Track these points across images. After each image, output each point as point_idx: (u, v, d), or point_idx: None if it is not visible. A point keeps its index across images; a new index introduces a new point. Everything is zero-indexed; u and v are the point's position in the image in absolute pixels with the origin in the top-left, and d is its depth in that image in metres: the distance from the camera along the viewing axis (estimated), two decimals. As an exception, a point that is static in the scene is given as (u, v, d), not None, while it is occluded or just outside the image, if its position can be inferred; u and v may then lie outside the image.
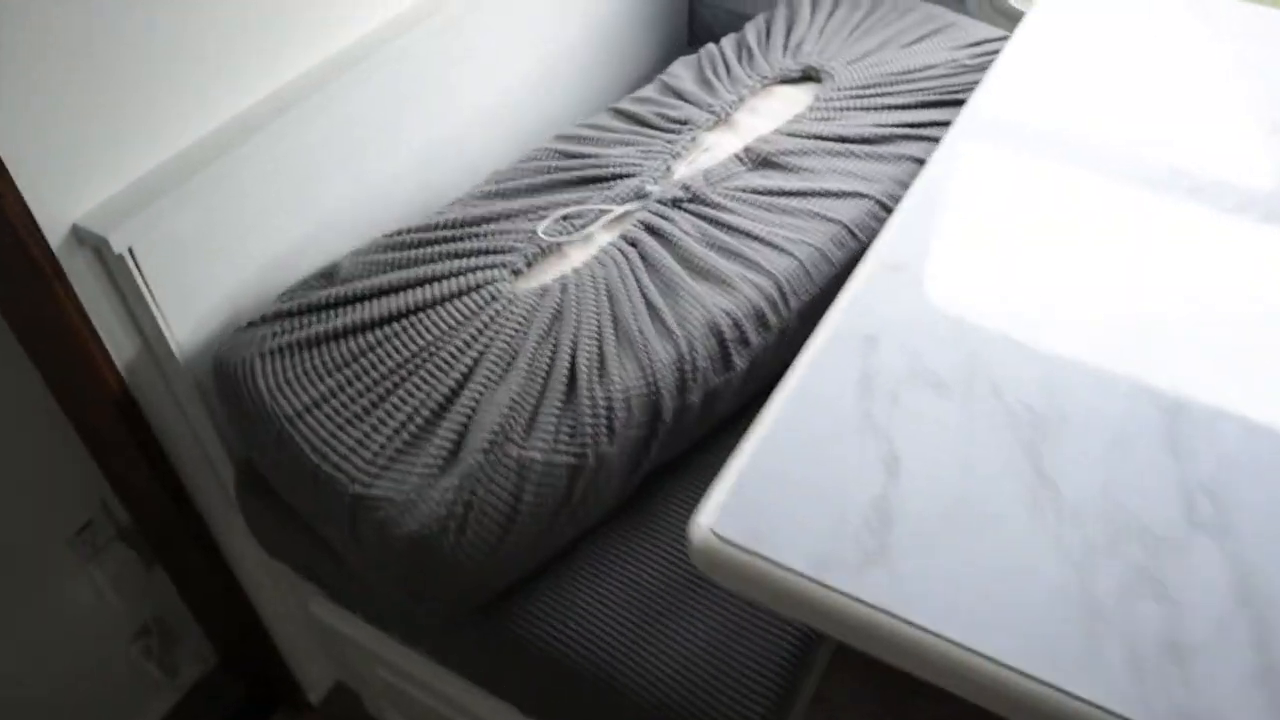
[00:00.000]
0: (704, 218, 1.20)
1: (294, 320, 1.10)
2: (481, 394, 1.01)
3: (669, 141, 1.32)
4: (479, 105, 1.44)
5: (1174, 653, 0.66)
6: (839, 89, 1.38)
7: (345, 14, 1.22)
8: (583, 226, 1.19)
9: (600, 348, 1.05)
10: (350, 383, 1.03)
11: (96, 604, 1.45)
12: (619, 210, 1.21)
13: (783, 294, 1.13)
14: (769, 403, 0.83)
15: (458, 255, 1.15)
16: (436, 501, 0.94)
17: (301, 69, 1.19)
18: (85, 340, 1.06)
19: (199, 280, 1.12)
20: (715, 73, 1.46)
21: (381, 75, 1.25)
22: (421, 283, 1.12)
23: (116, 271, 1.05)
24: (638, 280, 1.12)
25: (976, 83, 1.37)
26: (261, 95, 1.15)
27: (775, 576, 0.72)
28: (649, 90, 1.46)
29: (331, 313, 1.10)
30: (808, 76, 1.45)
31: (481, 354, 1.05)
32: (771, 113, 1.38)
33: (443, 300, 1.10)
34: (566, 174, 1.28)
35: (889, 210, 1.23)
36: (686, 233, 1.18)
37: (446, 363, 1.04)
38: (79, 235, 1.01)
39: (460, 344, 1.06)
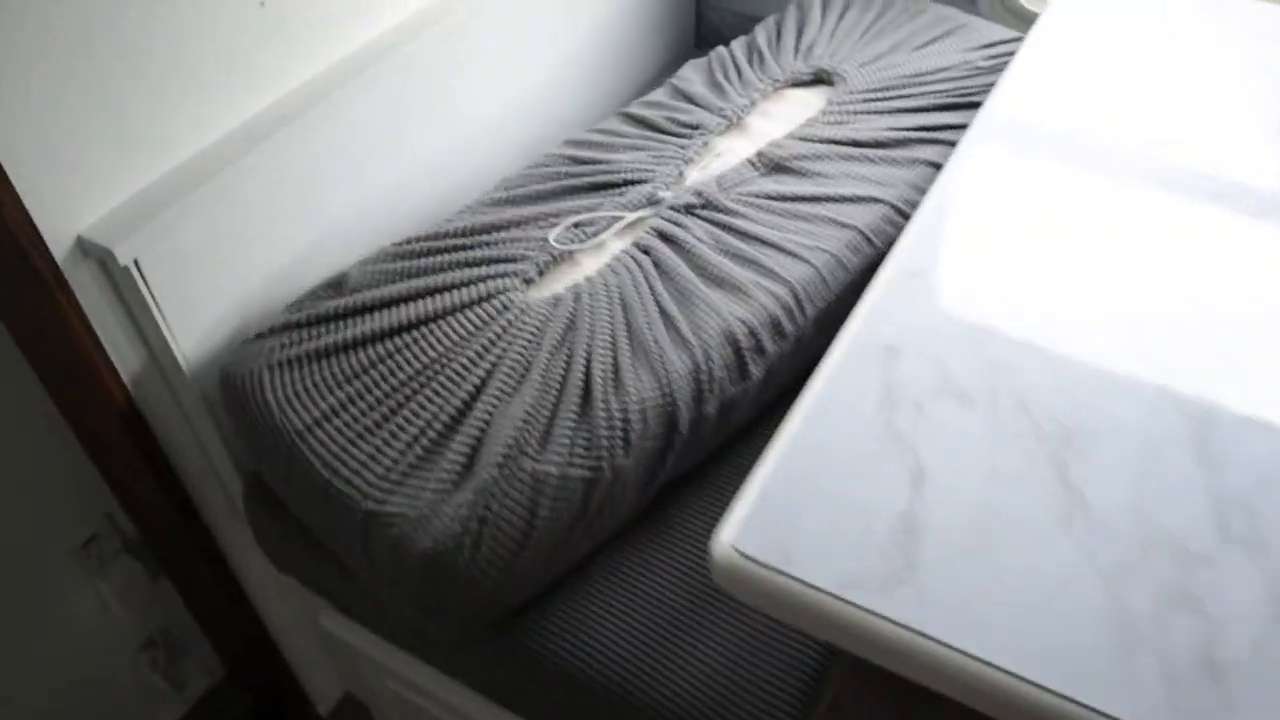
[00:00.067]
0: (718, 224, 1.19)
1: (302, 332, 1.08)
2: (495, 407, 0.99)
3: (681, 146, 1.31)
4: (485, 111, 1.43)
5: (1210, 670, 0.64)
6: (852, 92, 1.37)
7: (349, 21, 1.21)
8: (595, 234, 1.18)
9: (615, 358, 1.03)
10: (361, 396, 1.02)
11: (102, 616, 1.44)
12: (631, 217, 1.19)
13: (799, 302, 1.11)
14: (790, 415, 0.81)
15: (468, 264, 1.14)
16: (451, 518, 0.92)
17: (306, 76, 1.18)
18: (90, 352, 1.05)
19: (205, 291, 1.11)
20: (726, 76, 1.44)
21: (386, 82, 1.23)
22: (431, 292, 1.10)
23: (122, 283, 1.03)
24: (652, 289, 1.11)
25: (991, 85, 1.35)
26: (266, 104, 1.14)
27: (801, 595, 0.70)
28: (659, 94, 1.44)
29: (340, 324, 1.08)
30: (819, 79, 1.43)
31: (494, 365, 1.03)
32: (784, 116, 1.36)
33: (454, 310, 1.08)
34: (577, 180, 1.26)
35: (904, 215, 1.21)
36: (700, 240, 1.16)
37: (459, 375, 1.02)
38: (84, 247, 0.99)
39: (472, 355, 1.04)
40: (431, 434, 0.98)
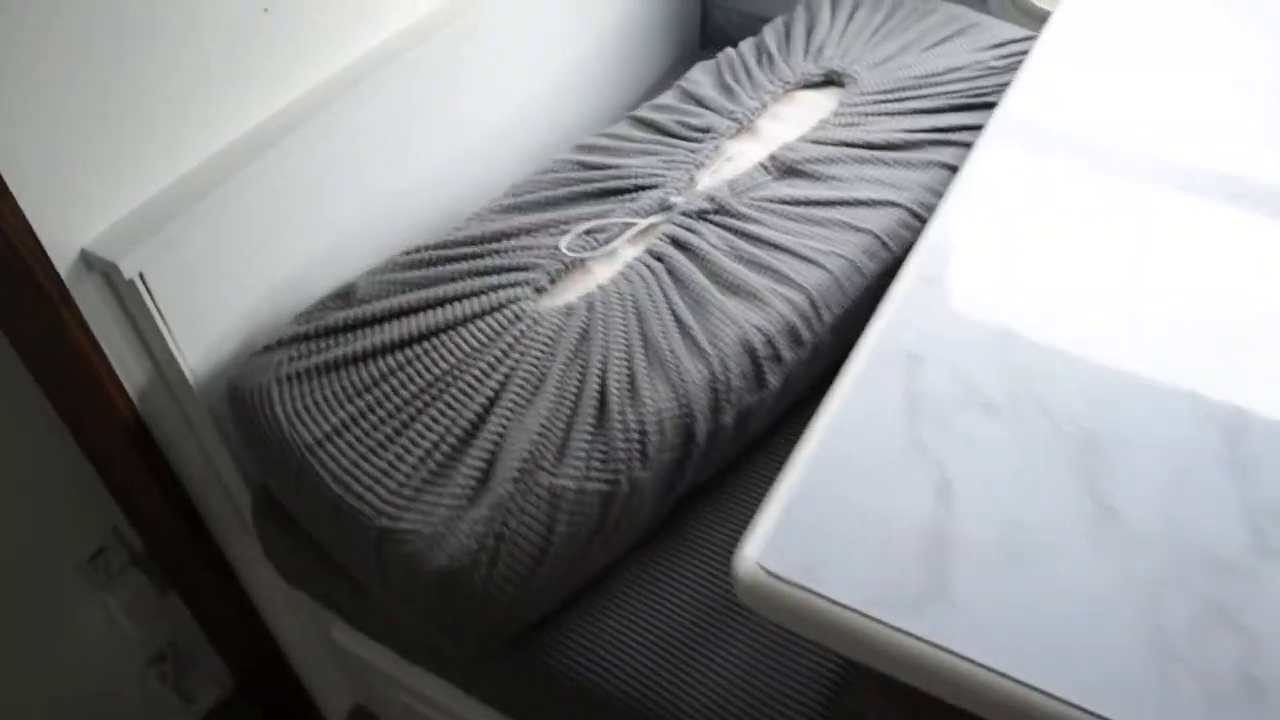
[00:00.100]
0: (731, 230, 1.17)
1: (311, 344, 1.07)
2: (509, 419, 0.98)
3: (691, 151, 1.29)
4: (490, 116, 1.41)
5: (1252, 688, 0.62)
6: (863, 94, 1.35)
7: (353, 27, 1.19)
8: (606, 241, 1.16)
9: (630, 368, 1.02)
10: (372, 409, 1.00)
11: (109, 630, 1.43)
12: (643, 223, 1.18)
13: (815, 308, 1.09)
14: (811, 427, 0.79)
15: (478, 273, 1.12)
16: (466, 534, 0.90)
17: (310, 83, 1.16)
18: (95, 367, 1.04)
19: (210, 303, 1.09)
20: (735, 78, 1.42)
21: (390, 89, 1.21)
22: (442, 303, 1.09)
23: (127, 297, 1.02)
24: (666, 297, 1.09)
25: (1004, 85, 1.34)
26: (270, 111, 1.12)
27: (828, 613, 0.68)
28: (668, 97, 1.42)
29: (349, 335, 1.07)
30: (830, 81, 1.41)
31: (508, 377, 1.01)
32: (795, 119, 1.34)
33: (465, 321, 1.07)
34: (587, 186, 1.24)
35: (920, 219, 1.19)
36: (714, 246, 1.14)
37: (472, 387, 1.01)
38: (88, 260, 0.98)
39: (485, 367, 1.02)
40: (445, 448, 0.97)
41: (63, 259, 0.96)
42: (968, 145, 1.26)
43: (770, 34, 1.52)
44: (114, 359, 1.05)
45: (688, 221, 1.18)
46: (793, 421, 1.16)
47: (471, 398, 1.00)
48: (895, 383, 0.82)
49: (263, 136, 1.10)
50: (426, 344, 1.05)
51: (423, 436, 0.98)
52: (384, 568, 0.94)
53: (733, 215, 1.18)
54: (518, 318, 1.07)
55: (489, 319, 1.07)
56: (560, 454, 0.95)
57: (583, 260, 1.15)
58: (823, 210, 1.19)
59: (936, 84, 1.36)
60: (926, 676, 0.66)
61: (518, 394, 1.00)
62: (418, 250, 1.17)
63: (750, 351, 1.05)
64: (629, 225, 1.17)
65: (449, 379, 1.02)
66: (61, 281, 0.97)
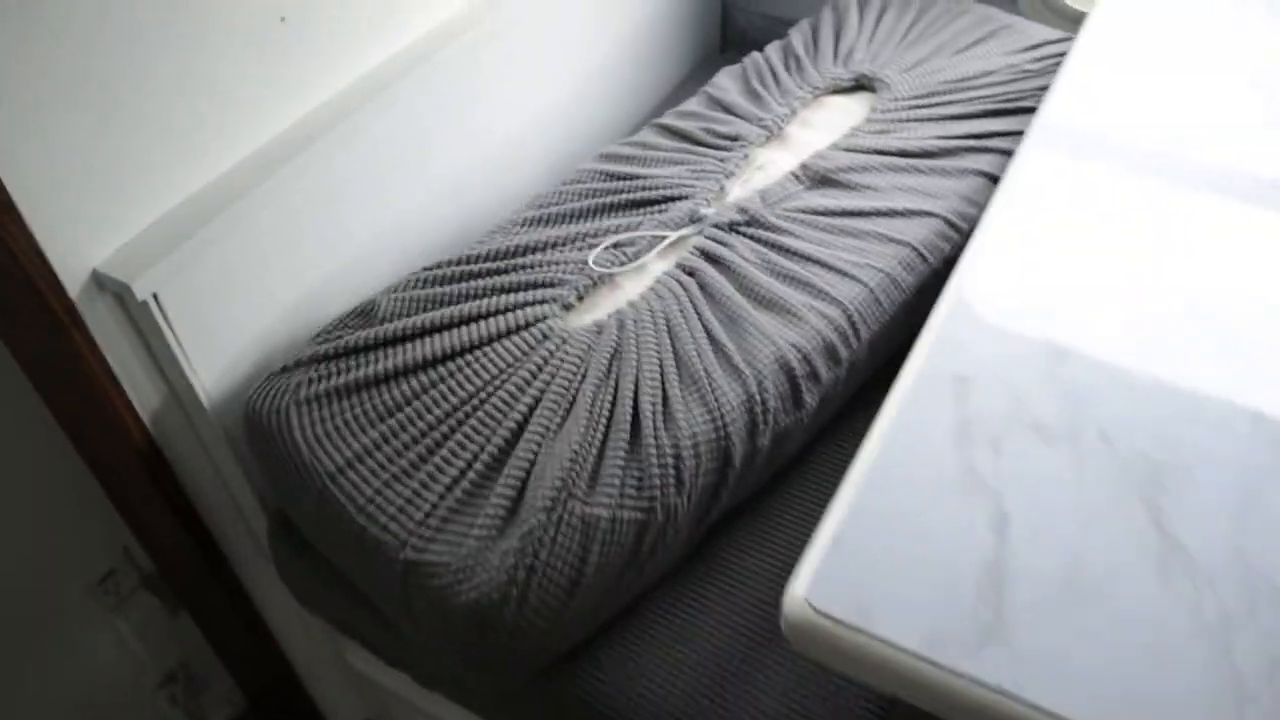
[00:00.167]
0: (764, 242, 1.13)
1: (331, 365, 1.03)
2: (539, 444, 0.94)
3: (720, 160, 1.25)
4: (509, 124, 1.38)
5: (1334, 734, 0.59)
6: (895, 99, 1.31)
7: (370, 37, 1.16)
8: (636, 255, 1.12)
9: (664, 390, 0.98)
10: (395, 434, 0.96)
11: (120, 652, 1.41)
12: (673, 236, 1.14)
13: (853, 324, 1.05)
14: (859, 455, 0.75)
15: (503, 290, 1.08)
16: (496, 567, 0.86)
17: (327, 94, 1.13)
18: (106, 389, 1.00)
19: (225, 323, 1.06)
20: (763, 83, 1.38)
21: (408, 99, 1.18)
22: (466, 321, 1.05)
23: (139, 318, 0.99)
24: (699, 313, 1.05)
25: (1039, 89, 1.30)
26: (286, 124, 1.09)
27: (882, 654, 0.65)
28: (694, 104, 1.38)
29: (371, 356, 1.03)
30: (861, 86, 1.37)
31: (537, 399, 0.98)
32: (826, 125, 1.30)
33: (491, 340, 1.03)
34: (614, 197, 1.20)
35: (957, 229, 1.15)
36: (747, 259, 1.10)
37: (500, 410, 0.97)
38: (99, 281, 0.95)
39: (513, 389, 0.98)
40: (473, 475, 0.93)
41: (73, 280, 0.93)
42: (1004, 152, 1.22)
43: (797, 37, 1.48)
44: (126, 380, 1.02)
45: (719, 234, 1.14)
46: (826, 441, 1.13)
47: (500, 421, 0.96)
48: (944, 406, 0.78)
49: (279, 150, 1.06)
50: (451, 364, 1.01)
51: (449, 463, 0.94)
52: (410, 601, 0.90)
53: (765, 227, 1.14)
54: (545, 336, 1.03)
55: (516, 338, 1.03)
56: (593, 480, 0.91)
57: (611, 275, 1.11)
58: (857, 221, 1.15)
59: (970, 88, 1.32)
60: (985, 720, 0.63)
61: (547, 417, 0.96)
62: (439, 266, 1.13)
63: (787, 370, 1.01)
64: (659, 238, 1.13)
65: (476, 401, 0.98)
66: (72, 303, 0.94)
